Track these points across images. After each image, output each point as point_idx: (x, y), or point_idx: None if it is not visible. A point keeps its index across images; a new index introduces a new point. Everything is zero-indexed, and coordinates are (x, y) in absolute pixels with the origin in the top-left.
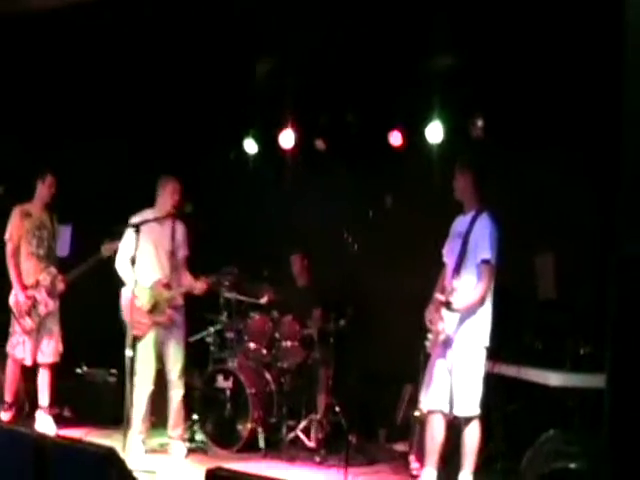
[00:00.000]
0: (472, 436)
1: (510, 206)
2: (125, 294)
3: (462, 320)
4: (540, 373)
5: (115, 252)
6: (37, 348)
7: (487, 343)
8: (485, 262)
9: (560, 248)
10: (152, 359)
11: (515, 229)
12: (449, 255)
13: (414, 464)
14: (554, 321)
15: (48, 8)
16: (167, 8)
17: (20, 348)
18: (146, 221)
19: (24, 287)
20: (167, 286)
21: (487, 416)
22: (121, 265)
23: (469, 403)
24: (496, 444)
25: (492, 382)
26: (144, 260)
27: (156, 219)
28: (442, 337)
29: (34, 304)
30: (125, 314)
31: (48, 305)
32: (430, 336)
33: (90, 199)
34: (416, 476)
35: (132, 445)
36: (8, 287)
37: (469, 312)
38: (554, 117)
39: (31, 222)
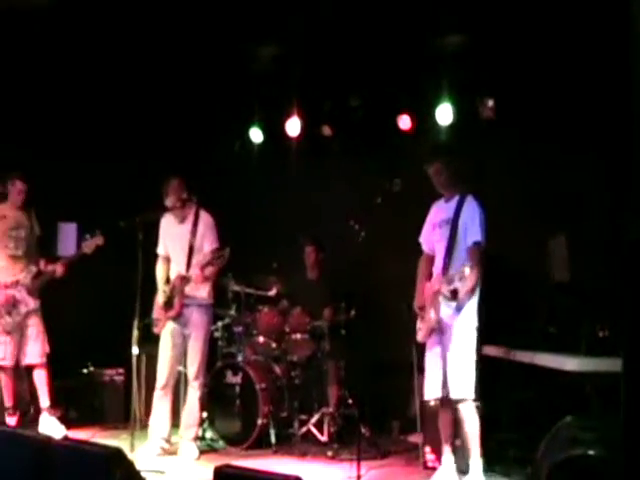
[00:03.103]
0: (471, 420)
1: (522, 188)
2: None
3: (454, 304)
4: (555, 358)
5: (97, 247)
6: (20, 350)
7: (477, 324)
8: (477, 244)
9: (573, 230)
10: (166, 355)
11: (527, 211)
12: (437, 242)
13: (429, 455)
14: (568, 304)
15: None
16: None
17: (1, 349)
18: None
19: (4, 287)
20: (184, 280)
21: (499, 403)
22: (157, 265)
23: (464, 386)
24: (509, 432)
25: (505, 369)
26: (171, 258)
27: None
28: (436, 325)
29: (14, 303)
30: (154, 312)
31: (29, 304)
32: (421, 325)
33: (95, 197)
34: (431, 468)
35: (145, 445)
36: None
37: (468, 297)
38: (566, 96)
39: (6, 223)
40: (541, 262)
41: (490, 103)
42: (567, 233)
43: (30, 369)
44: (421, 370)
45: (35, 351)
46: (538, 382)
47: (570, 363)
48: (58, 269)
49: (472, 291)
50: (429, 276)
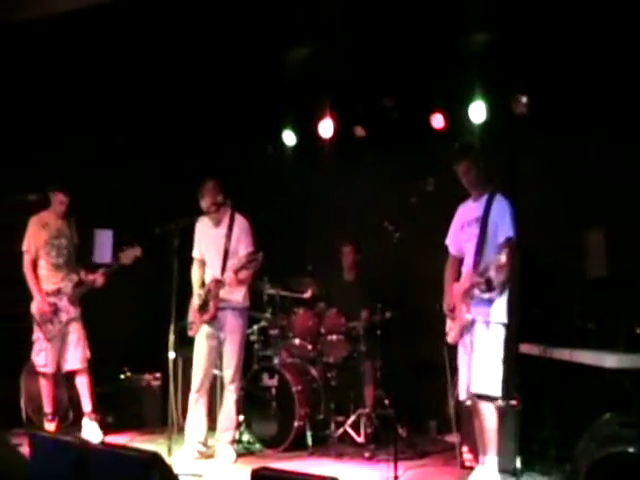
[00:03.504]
0: (490, 417)
1: (557, 183)
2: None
3: (483, 301)
4: (594, 355)
5: (136, 258)
6: (60, 356)
7: (506, 321)
8: (509, 240)
9: (610, 225)
10: (201, 359)
11: (562, 207)
12: (466, 241)
13: (467, 455)
14: (606, 300)
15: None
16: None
17: (42, 355)
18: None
19: (45, 295)
20: (218, 284)
21: (538, 402)
22: (193, 269)
23: (488, 382)
24: (549, 431)
25: (543, 367)
26: (206, 262)
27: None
28: (469, 323)
29: (56, 311)
30: (189, 316)
31: (70, 312)
32: (452, 325)
33: (129, 203)
34: (469, 467)
35: (183, 448)
36: (30, 297)
37: (501, 288)
38: (598, 90)
39: (49, 232)
40: (578, 258)
41: (523, 99)
42: (604, 228)
43: (71, 375)
44: (454, 370)
45: (76, 357)
46: (577, 379)
47: (609, 360)
48: (98, 279)
49: (504, 284)
50: (457, 278)
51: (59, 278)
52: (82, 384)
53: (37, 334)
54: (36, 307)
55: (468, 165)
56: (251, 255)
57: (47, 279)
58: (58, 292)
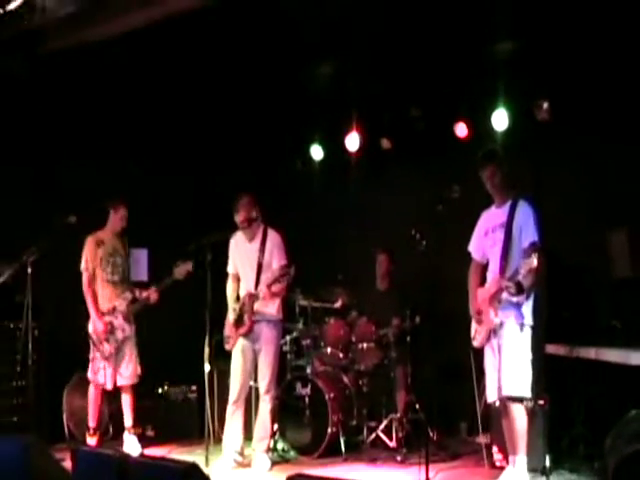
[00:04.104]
0: (521, 418)
1: (581, 185)
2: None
3: (511, 304)
4: (620, 353)
5: (188, 273)
6: (116, 372)
7: (532, 323)
8: (533, 244)
9: (633, 224)
10: (238, 371)
11: (587, 209)
12: (490, 247)
13: (497, 455)
14: (631, 299)
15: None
16: (226, 15)
17: (102, 374)
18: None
19: (101, 314)
20: (252, 297)
21: (567, 401)
22: (227, 284)
23: (518, 384)
24: (578, 429)
25: (571, 367)
26: (241, 276)
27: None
28: (494, 326)
29: (112, 330)
30: (225, 330)
31: (125, 330)
32: (478, 328)
33: (163, 222)
34: (500, 467)
35: (220, 459)
36: (86, 315)
37: (529, 292)
38: (620, 93)
39: (104, 249)
40: (603, 258)
41: (545, 105)
42: (627, 229)
43: (113, 390)
44: (481, 373)
45: (128, 373)
46: (604, 378)
47: (635, 357)
48: (152, 295)
49: (532, 287)
50: (481, 283)
51: (114, 296)
52: (127, 399)
53: (94, 353)
54: (92, 327)
55: (493, 170)
56: (283, 269)
57: (103, 297)
58: (113, 310)
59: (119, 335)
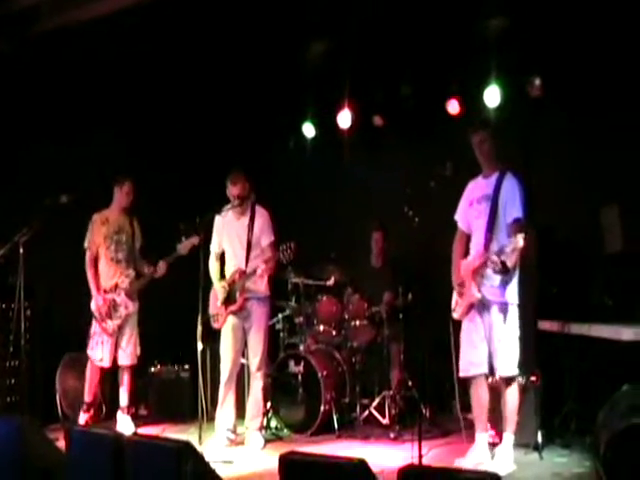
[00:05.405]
0: (513, 396)
1: (572, 161)
2: (213, 290)
3: (496, 281)
4: (611, 329)
5: (192, 248)
6: (116, 350)
7: (518, 301)
8: (517, 221)
9: (625, 198)
10: (229, 350)
11: (578, 184)
12: (475, 219)
13: (489, 431)
14: (623, 275)
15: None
16: None
17: (99, 349)
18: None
19: (103, 291)
20: (243, 275)
21: (559, 377)
22: (210, 262)
23: (510, 363)
24: (570, 405)
25: (563, 342)
26: (227, 254)
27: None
28: (477, 301)
29: (114, 306)
30: (210, 309)
31: (128, 307)
32: (459, 300)
33: (153, 199)
34: (491, 443)
35: (213, 437)
36: (81, 294)
37: (514, 270)
38: (612, 69)
39: (109, 228)
40: (594, 233)
41: (537, 81)
42: (619, 203)
43: (109, 370)
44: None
45: (128, 353)
46: (596, 353)
47: (626, 333)
48: (160, 268)
49: (516, 265)
50: (465, 253)
51: (117, 273)
52: (124, 379)
53: (94, 329)
54: (95, 304)
55: (484, 136)
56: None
57: (106, 274)
58: (115, 288)
59: (122, 311)
